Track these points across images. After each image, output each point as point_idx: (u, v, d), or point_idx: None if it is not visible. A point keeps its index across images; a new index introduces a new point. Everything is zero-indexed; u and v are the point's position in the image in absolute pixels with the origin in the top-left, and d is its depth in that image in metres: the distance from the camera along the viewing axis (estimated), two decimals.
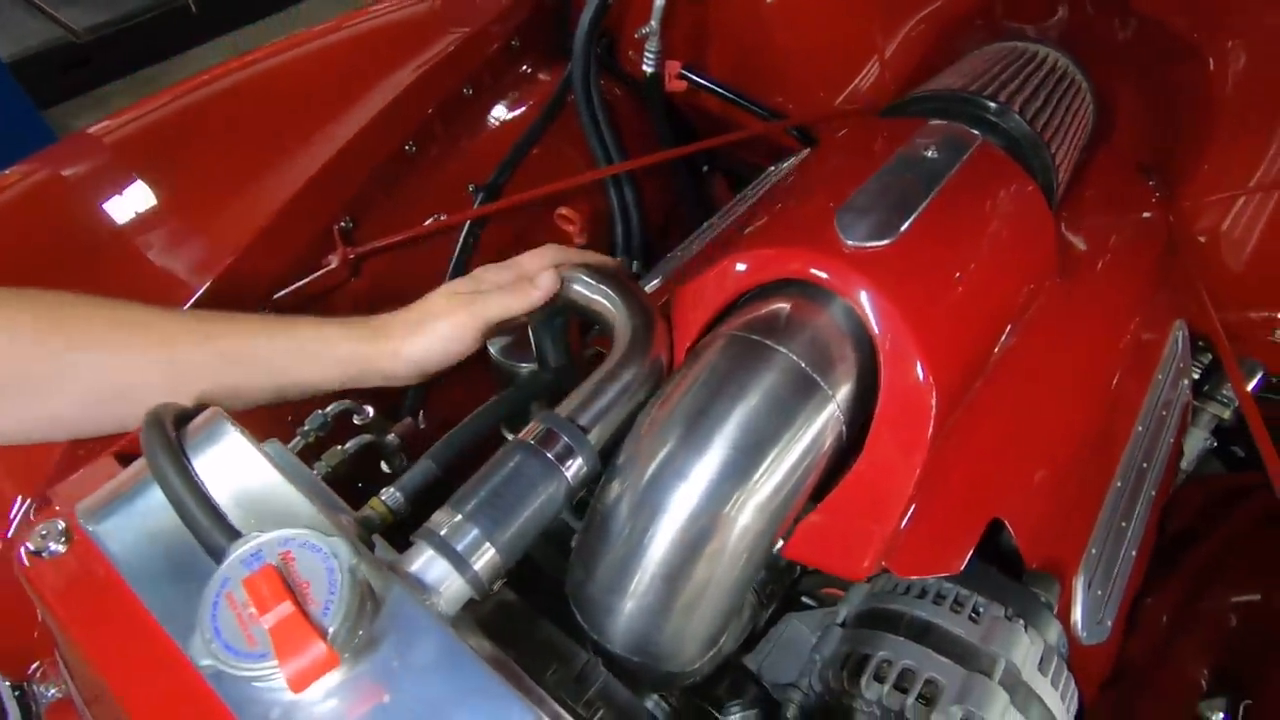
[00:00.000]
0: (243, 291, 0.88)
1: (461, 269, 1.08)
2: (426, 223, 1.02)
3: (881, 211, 0.52)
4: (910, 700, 0.55)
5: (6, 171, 0.91)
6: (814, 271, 0.51)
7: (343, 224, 0.98)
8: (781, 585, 0.68)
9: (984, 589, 0.61)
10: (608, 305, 0.58)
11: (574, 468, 0.49)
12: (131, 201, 0.92)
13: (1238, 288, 1.01)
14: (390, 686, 0.36)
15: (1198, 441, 1.05)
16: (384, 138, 1.05)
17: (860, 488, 0.52)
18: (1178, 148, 0.97)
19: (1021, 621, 0.58)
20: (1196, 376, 1.08)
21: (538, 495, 0.47)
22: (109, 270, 0.87)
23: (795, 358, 0.50)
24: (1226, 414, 1.04)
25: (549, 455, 0.48)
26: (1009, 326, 0.64)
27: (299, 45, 1.15)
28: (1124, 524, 0.79)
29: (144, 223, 0.90)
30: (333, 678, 0.36)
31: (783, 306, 0.52)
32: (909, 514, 0.57)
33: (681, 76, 1.24)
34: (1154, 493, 0.85)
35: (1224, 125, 0.92)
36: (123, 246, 0.88)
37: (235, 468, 0.45)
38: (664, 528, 0.47)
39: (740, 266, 0.53)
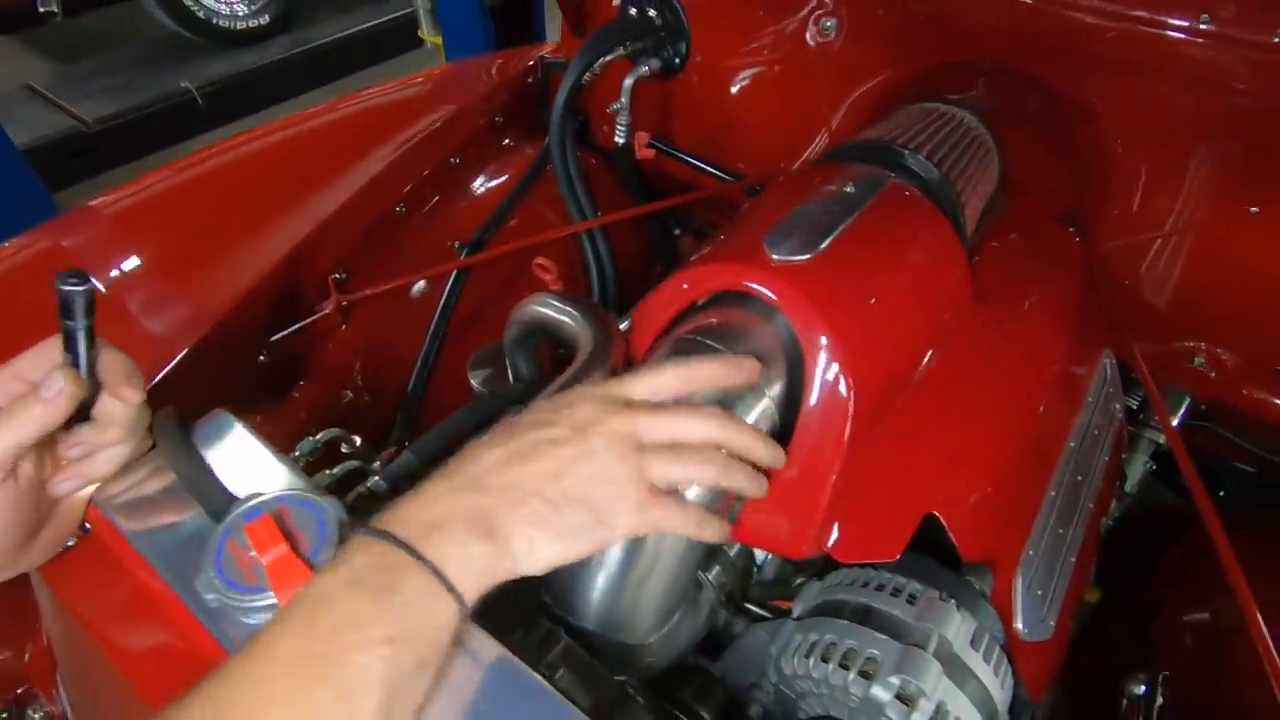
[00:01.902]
0: (243, 332, 0.95)
1: (446, 319, 1.16)
2: (415, 276, 1.10)
3: (803, 234, 0.61)
4: (851, 676, 0.59)
5: (8, 243, 0.99)
6: (745, 282, 0.59)
7: (337, 276, 1.07)
8: (740, 585, 0.73)
9: (921, 577, 0.67)
10: (572, 322, 0.66)
11: None
12: (133, 260, 1.00)
13: (1160, 321, 1.11)
14: None
15: (1139, 465, 1.12)
16: (377, 201, 1.15)
17: (790, 474, 0.59)
18: (1091, 200, 1.09)
19: (954, 601, 0.63)
20: (1135, 405, 1.16)
21: None
22: (113, 319, 0.94)
23: (725, 351, 0.57)
24: (1162, 439, 1.11)
25: None
26: (933, 342, 0.72)
27: (302, 122, 1.27)
28: (1061, 531, 0.85)
29: (146, 276, 0.98)
30: None
31: (722, 315, 0.60)
32: (849, 505, 0.63)
33: (650, 145, 1.36)
34: (1091, 505, 0.91)
35: (1125, 180, 1.03)
36: (126, 297, 0.95)
37: (238, 453, 0.51)
38: None
39: (685, 284, 0.62)
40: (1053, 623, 0.79)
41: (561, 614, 0.56)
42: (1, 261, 0.96)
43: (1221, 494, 1.28)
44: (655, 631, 0.57)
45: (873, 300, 0.62)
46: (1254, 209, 0.95)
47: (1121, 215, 1.06)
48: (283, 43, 3.86)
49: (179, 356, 0.89)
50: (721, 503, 0.56)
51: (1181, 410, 1.12)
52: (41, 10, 3.06)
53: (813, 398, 0.58)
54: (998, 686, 0.62)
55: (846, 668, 0.60)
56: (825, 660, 0.61)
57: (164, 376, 0.88)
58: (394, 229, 1.17)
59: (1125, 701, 0.78)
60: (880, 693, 0.58)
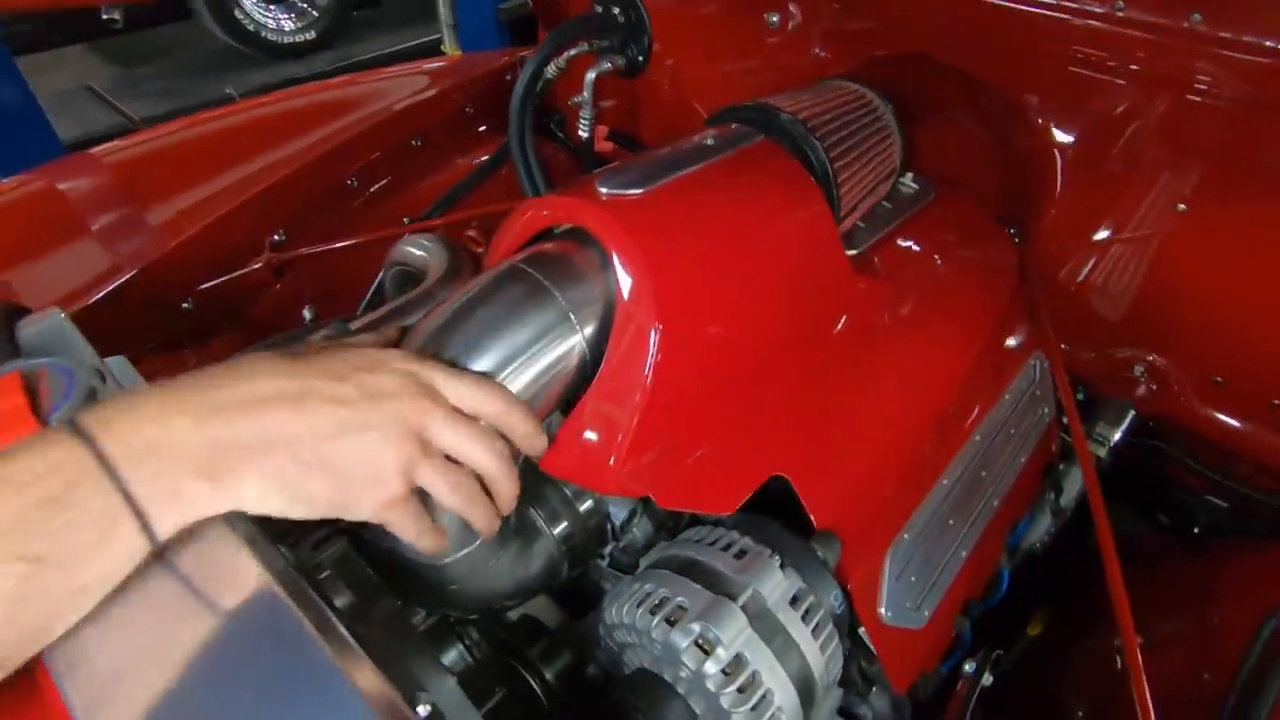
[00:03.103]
0: (172, 279, 0.99)
1: (381, 289, 1.19)
2: (351, 239, 1.13)
3: (640, 173, 0.61)
4: (655, 621, 0.58)
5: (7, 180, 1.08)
6: (569, 213, 0.60)
7: (276, 237, 1.11)
8: (590, 542, 0.71)
9: (760, 536, 0.64)
10: (426, 254, 0.67)
11: None
12: (98, 200, 1.06)
13: (1099, 327, 1.07)
14: None
15: (1076, 480, 1.06)
16: (327, 170, 1.19)
17: (596, 405, 0.58)
18: (1028, 199, 1.06)
19: (778, 559, 0.61)
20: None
21: None
22: (66, 245, 1.00)
23: (545, 281, 0.57)
24: (1102, 452, 1.06)
25: None
26: (794, 306, 0.70)
27: (282, 100, 1.34)
28: (951, 521, 0.81)
29: (106, 213, 1.04)
30: None
31: (562, 247, 0.60)
32: (678, 453, 0.62)
33: (609, 138, 1.38)
34: (996, 503, 0.87)
35: (1059, 178, 1.01)
36: (82, 227, 1.02)
37: (56, 342, 0.53)
38: None
39: (528, 213, 0.62)
40: (927, 613, 0.76)
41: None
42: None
43: (1195, 531, 1.21)
44: (450, 553, 0.56)
45: (704, 243, 0.61)
46: (1181, 206, 0.91)
47: (1058, 215, 1.03)
48: (326, 57, 4.07)
49: (103, 291, 0.93)
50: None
51: (1124, 424, 1.07)
52: (104, 17, 3.29)
53: (621, 328, 0.57)
54: (816, 653, 0.59)
55: (656, 615, 0.58)
56: (639, 608, 0.60)
57: (86, 308, 0.92)
58: (343, 200, 1.21)
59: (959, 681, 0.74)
60: (678, 638, 0.56)
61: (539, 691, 0.71)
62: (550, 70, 1.33)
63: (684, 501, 0.62)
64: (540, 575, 0.68)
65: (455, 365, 0.52)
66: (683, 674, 0.57)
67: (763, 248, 0.66)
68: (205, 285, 1.02)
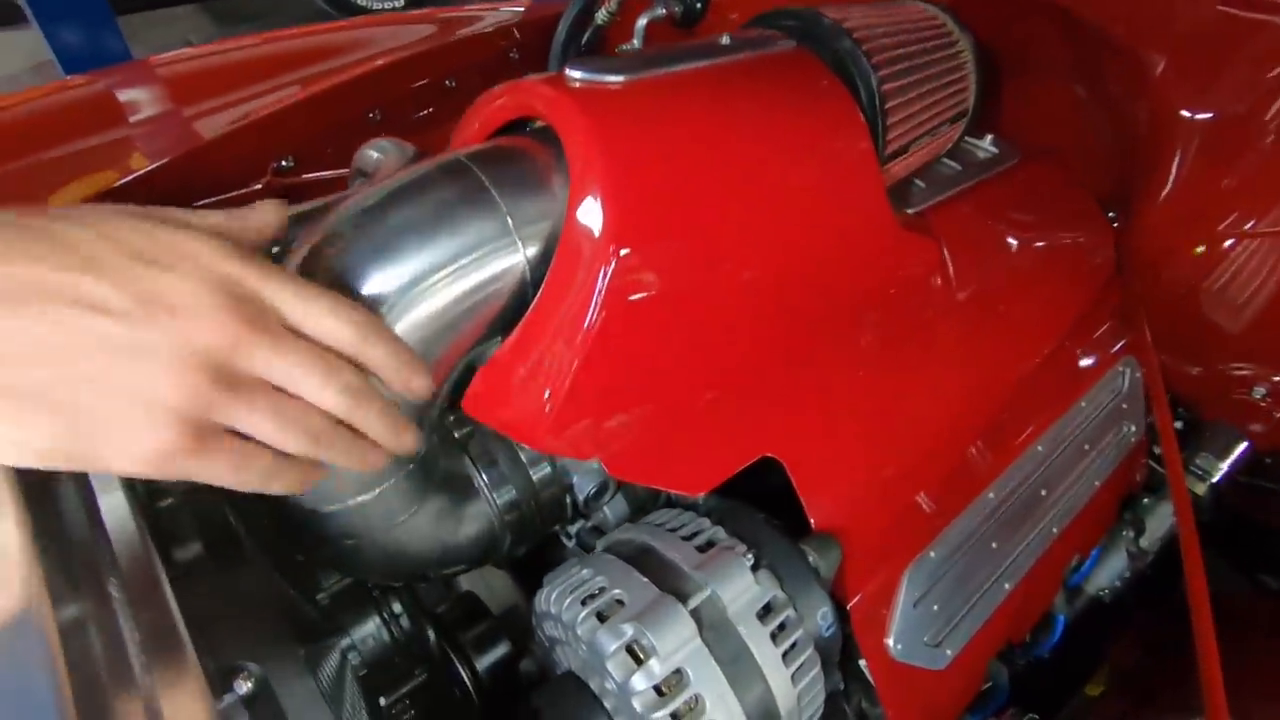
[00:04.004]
0: (171, 189, 0.94)
1: None
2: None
3: (627, 62, 0.49)
4: (583, 614, 0.46)
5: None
6: (526, 97, 0.48)
7: (283, 162, 1.04)
8: (543, 513, 0.60)
9: (737, 528, 0.52)
10: (381, 154, 0.57)
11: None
12: (131, 106, 1.05)
13: (1215, 340, 0.87)
14: None
15: (1164, 518, 0.88)
16: (348, 100, 1.12)
17: (530, 341, 0.46)
18: (1137, 178, 0.88)
19: (750, 558, 0.48)
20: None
21: None
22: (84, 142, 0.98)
23: (488, 182, 0.46)
24: (1201, 489, 0.87)
25: None
26: (812, 253, 0.57)
27: (332, 31, 1.31)
28: (995, 545, 0.66)
29: (132, 117, 1.03)
30: None
31: (509, 142, 0.49)
32: (641, 416, 0.50)
33: None
34: (1056, 530, 0.71)
35: (1196, 164, 0.82)
36: (109, 127, 1.00)
37: None
38: None
39: (487, 104, 0.51)
40: (950, 652, 0.61)
41: None
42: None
43: None
44: (338, 498, 0.46)
45: (692, 155, 0.49)
46: None
47: (1174, 199, 0.85)
48: None
49: (98, 190, 0.89)
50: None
51: (1233, 457, 0.87)
52: None
53: (568, 239, 0.45)
54: (785, 683, 0.46)
55: (587, 607, 0.46)
56: (570, 596, 0.48)
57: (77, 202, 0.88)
58: (362, 133, 1.14)
59: None
60: (605, 639, 0.44)
61: (467, 682, 0.60)
62: (601, 15, 1.23)
63: (641, 473, 0.50)
64: (472, 545, 0.57)
65: (328, 274, 0.42)
66: (609, 685, 0.45)
67: (774, 174, 0.52)
68: (201, 202, 0.96)
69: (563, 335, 0.46)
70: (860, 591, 0.57)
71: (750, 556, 0.48)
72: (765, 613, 0.47)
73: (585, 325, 0.46)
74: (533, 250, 0.47)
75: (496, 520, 0.58)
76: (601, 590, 0.47)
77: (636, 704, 0.42)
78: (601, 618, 0.46)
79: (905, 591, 0.59)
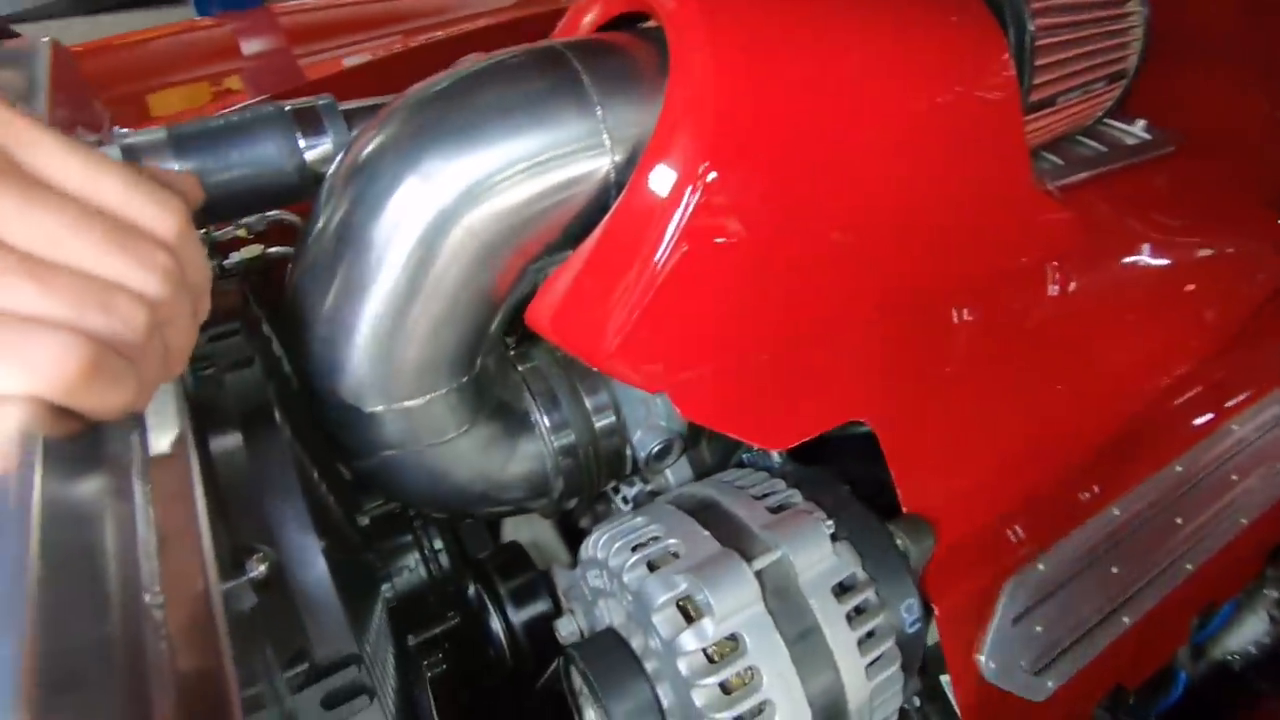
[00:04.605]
0: None
1: None
2: None
3: None
4: (631, 560, 0.40)
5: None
6: None
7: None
8: (594, 462, 0.55)
9: (814, 494, 0.45)
10: None
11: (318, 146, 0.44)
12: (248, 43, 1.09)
13: None
14: None
15: None
16: (450, 56, 1.13)
17: (606, 251, 0.41)
18: None
19: (830, 527, 0.41)
20: None
21: (263, 145, 0.43)
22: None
23: (585, 75, 0.42)
24: None
25: (295, 123, 0.44)
26: (937, 196, 0.50)
27: None
28: (1116, 570, 0.56)
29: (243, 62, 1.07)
30: None
31: (613, 37, 0.45)
32: (720, 357, 0.44)
33: None
34: (1190, 567, 0.60)
35: None
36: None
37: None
38: (388, 208, 0.40)
39: None
40: (1052, 684, 0.52)
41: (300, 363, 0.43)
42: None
43: None
44: (411, 396, 0.42)
45: (815, 68, 0.43)
46: None
47: None
48: None
49: None
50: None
51: None
52: None
53: (652, 156, 0.41)
54: (859, 674, 0.39)
55: (637, 553, 0.41)
56: (619, 542, 0.43)
57: None
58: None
59: None
60: (654, 588, 0.38)
61: (500, 634, 0.56)
62: None
63: (713, 416, 0.44)
64: (521, 484, 0.52)
65: (396, 155, 0.38)
66: (653, 644, 0.39)
67: (902, 102, 0.46)
68: None
69: (640, 254, 0.41)
70: (952, 593, 0.49)
71: (829, 524, 0.42)
72: (842, 590, 0.40)
73: (664, 247, 0.41)
74: (620, 156, 0.43)
75: (550, 462, 0.53)
76: (655, 539, 0.42)
77: (682, 666, 0.37)
78: (652, 567, 0.40)
79: (1005, 604, 0.51)
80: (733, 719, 0.36)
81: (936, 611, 0.48)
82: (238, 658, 0.27)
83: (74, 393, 0.24)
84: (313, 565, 0.34)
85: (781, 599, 0.39)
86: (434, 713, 0.52)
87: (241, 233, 0.78)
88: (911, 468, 0.48)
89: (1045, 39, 0.52)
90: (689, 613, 0.38)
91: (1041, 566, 0.53)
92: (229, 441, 0.37)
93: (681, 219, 0.41)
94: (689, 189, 0.41)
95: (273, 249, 0.76)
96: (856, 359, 0.49)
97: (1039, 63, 0.52)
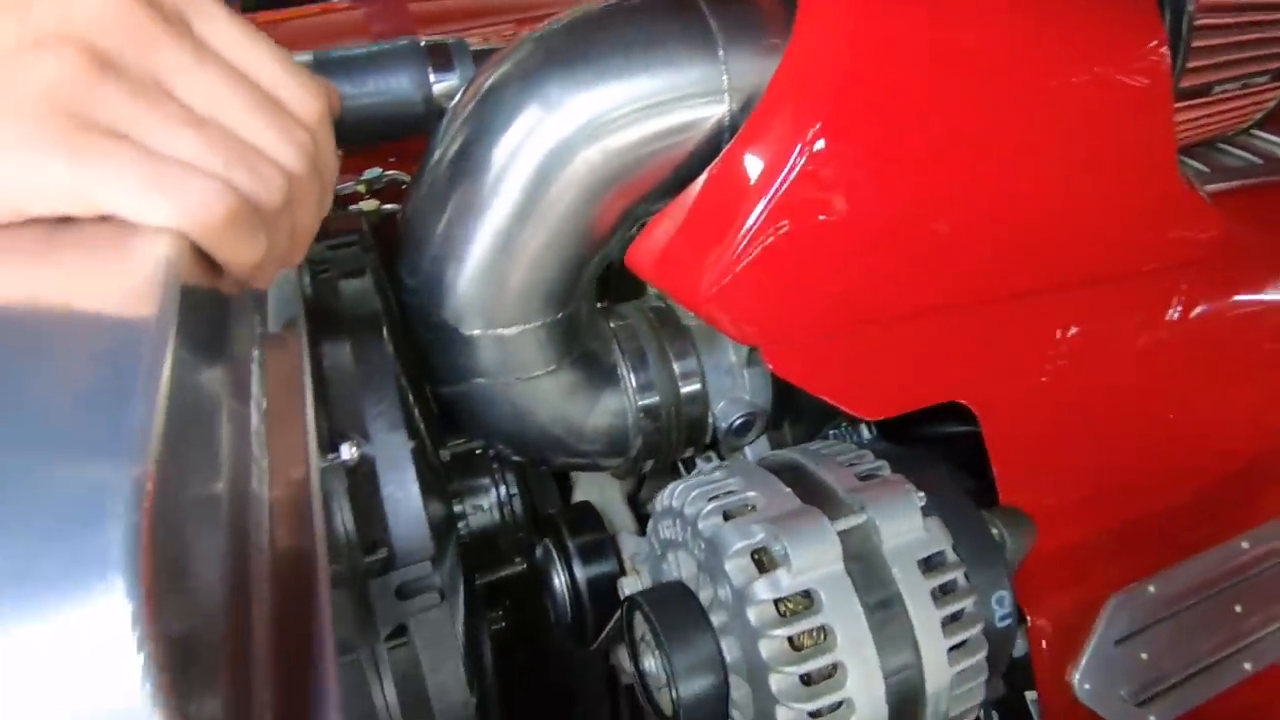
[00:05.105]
0: None
1: None
2: None
3: None
4: (708, 508, 0.39)
5: None
6: None
7: None
8: (675, 425, 0.55)
9: (904, 468, 0.43)
10: None
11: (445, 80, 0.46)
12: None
13: None
14: None
15: None
16: None
17: (711, 195, 0.41)
18: None
19: (920, 499, 0.39)
20: None
21: (396, 76, 0.45)
22: None
23: (712, 19, 0.42)
24: None
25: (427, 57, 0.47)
26: (1080, 190, 0.47)
27: None
28: (1239, 609, 0.51)
29: None
30: None
31: None
32: (823, 309, 0.43)
33: None
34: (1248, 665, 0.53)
35: None
36: None
37: None
38: (509, 133, 0.41)
39: None
40: (1152, 718, 0.47)
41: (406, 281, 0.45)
42: None
43: None
44: (485, 313, 0.43)
45: (953, 26, 0.41)
46: None
47: None
48: None
49: None
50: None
51: None
52: None
53: (768, 107, 0.40)
54: (940, 657, 0.36)
55: (714, 502, 0.40)
56: (695, 491, 0.42)
57: None
58: None
59: None
60: (729, 535, 0.37)
61: (563, 589, 0.56)
62: None
63: (805, 376, 0.43)
64: (600, 437, 0.53)
65: (519, 81, 0.39)
66: (722, 594, 0.38)
67: (1038, 67, 0.44)
68: None
69: (743, 207, 0.41)
70: (1048, 601, 0.45)
71: (921, 497, 0.39)
72: (929, 566, 0.38)
73: (764, 203, 0.40)
74: (737, 105, 0.43)
75: (632, 418, 0.53)
76: (732, 493, 0.41)
77: (751, 615, 0.35)
78: (728, 518, 0.39)
79: (1107, 622, 0.47)
80: (799, 676, 0.34)
81: (1029, 618, 0.45)
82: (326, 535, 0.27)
83: (215, 238, 0.25)
84: (400, 463, 0.35)
85: (864, 563, 0.37)
86: (489, 660, 0.53)
87: (361, 188, 0.82)
88: (1012, 459, 0.45)
89: (1205, 19, 0.48)
90: (763, 565, 0.37)
91: (1152, 589, 0.48)
92: (337, 341, 0.39)
93: (786, 179, 0.40)
94: (797, 148, 0.40)
95: (388, 205, 0.80)
96: (964, 340, 0.46)
97: (1196, 44, 0.49)
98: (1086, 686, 0.45)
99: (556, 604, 0.56)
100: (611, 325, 0.55)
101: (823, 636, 0.35)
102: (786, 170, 0.39)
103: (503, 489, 0.57)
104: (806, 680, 0.35)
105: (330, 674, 0.22)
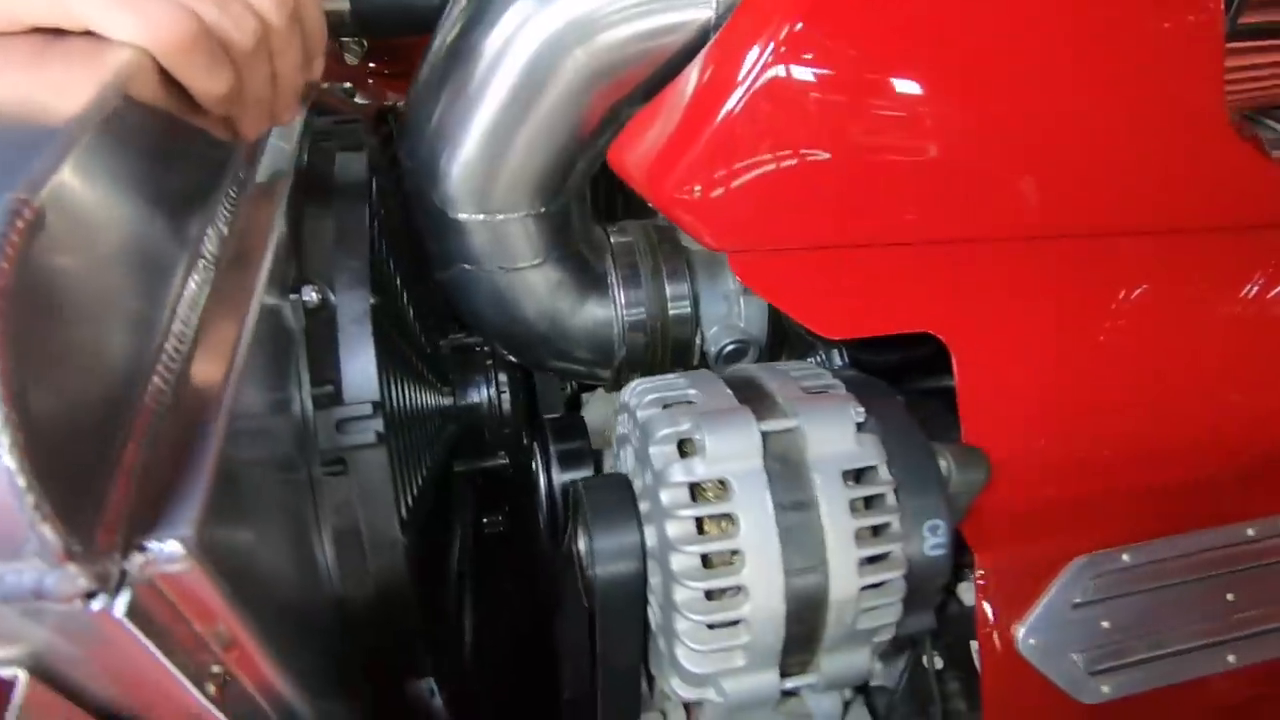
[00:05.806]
0: None
1: None
2: None
3: None
4: (645, 400, 0.41)
5: None
6: None
7: None
8: (659, 341, 0.56)
9: (855, 388, 0.42)
10: None
11: None
12: None
13: None
14: None
15: None
16: None
17: (689, 88, 0.41)
18: None
19: (859, 415, 0.39)
20: None
21: None
22: None
23: None
24: None
25: None
26: (1107, 108, 0.44)
27: None
28: (1230, 597, 0.47)
29: None
30: None
31: None
32: (795, 221, 0.43)
33: None
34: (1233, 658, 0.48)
35: None
36: None
37: None
38: (501, 24, 0.43)
39: None
40: (1107, 691, 0.45)
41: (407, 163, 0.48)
42: None
43: None
44: (474, 197, 0.45)
45: None
46: None
47: None
48: None
49: None
50: None
51: None
52: None
53: (745, 8, 0.40)
54: (847, 561, 0.36)
55: (658, 395, 0.41)
56: (647, 391, 0.43)
57: None
58: None
59: None
60: (658, 422, 0.38)
61: (543, 491, 0.58)
62: None
63: (770, 289, 0.43)
64: (585, 338, 0.55)
65: None
66: (648, 480, 0.39)
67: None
68: None
69: (715, 107, 0.41)
70: (1003, 549, 0.44)
71: (859, 413, 0.39)
72: (855, 477, 0.38)
73: (734, 102, 0.40)
74: (723, 9, 0.43)
75: (617, 329, 0.55)
76: (683, 392, 0.42)
77: (664, 496, 0.36)
78: (667, 407, 0.40)
79: (1066, 582, 0.45)
80: (700, 556, 0.35)
81: (976, 562, 0.44)
82: (271, 366, 0.30)
83: (176, 58, 0.29)
84: (359, 316, 0.38)
85: (784, 464, 0.37)
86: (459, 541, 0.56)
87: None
88: (980, 401, 0.44)
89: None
90: (685, 453, 0.38)
91: (1126, 558, 0.46)
92: (322, 204, 0.42)
93: (757, 78, 0.39)
94: (770, 46, 0.39)
95: None
96: (946, 274, 0.45)
97: None
98: (1031, 641, 0.43)
99: (538, 505, 0.59)
100: (612, 240, 0.57)
101: (728, 524, 0.36)
102: (757, 68, 0.39)
103: (492, 387, 0.60)
104: (706, 562, 0.36)
105: (213, 446, 0.25)
